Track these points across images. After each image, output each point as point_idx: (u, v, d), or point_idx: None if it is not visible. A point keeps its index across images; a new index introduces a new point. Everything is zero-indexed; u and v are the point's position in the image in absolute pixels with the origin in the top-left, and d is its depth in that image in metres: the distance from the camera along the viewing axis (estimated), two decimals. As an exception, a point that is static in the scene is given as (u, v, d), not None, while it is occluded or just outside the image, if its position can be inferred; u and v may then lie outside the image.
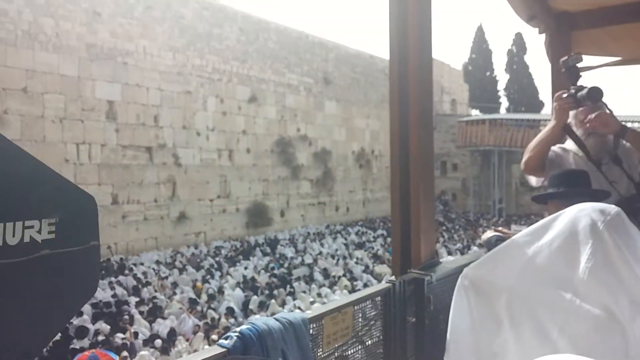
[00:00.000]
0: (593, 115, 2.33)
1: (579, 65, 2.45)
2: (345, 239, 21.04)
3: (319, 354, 1.91)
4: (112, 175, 15.65)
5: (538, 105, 39.94)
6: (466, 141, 27.26)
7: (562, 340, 1.48)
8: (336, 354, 2.02)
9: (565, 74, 2.43)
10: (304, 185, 23.13)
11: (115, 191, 15.91)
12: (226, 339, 1.68)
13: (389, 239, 20.91)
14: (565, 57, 2.40)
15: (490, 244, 2.74)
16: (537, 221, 1.83)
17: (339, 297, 12.28)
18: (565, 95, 2.39)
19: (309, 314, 1.98)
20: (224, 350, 1.61)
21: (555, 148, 2.61)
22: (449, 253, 17.25)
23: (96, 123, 15.58)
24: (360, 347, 2.14)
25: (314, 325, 1.90)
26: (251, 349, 1.65)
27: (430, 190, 2.75)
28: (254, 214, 20.59)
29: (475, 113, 34.24)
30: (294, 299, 12.35)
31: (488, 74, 42.71)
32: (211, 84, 19.07)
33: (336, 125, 25.00)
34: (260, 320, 1.79)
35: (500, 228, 3.16)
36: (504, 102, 43.04)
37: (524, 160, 2.60)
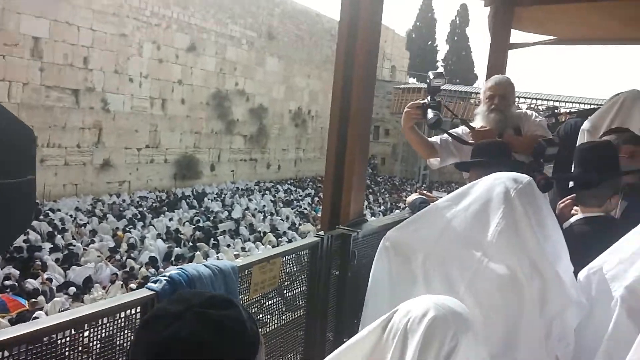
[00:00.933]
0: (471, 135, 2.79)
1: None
2: (274, 196, 21.20)
3: (245, 301, 1.98)
4: (32, 117, 14.60)
5: (472, 79, 41.40)
6: (401, 108, 27.82)
7: (468, 296, 1.60)
8: (262, 300, 2.10)
9: (427, 88, 2.69)
10: (237, 141, 22.83)
11: (35, 133, 14.91)
12: (155, 282, 1.69)
13: (316, 199, 21.30)
14: (431, 76, 2.63)
15: (414, 206, 2.91)
16: (457, 188, 1.96)
17: (262, 252, 12.47)
18: (416, 107, 2.68)
19: (239, 262, 2.04)
20: (152, 293, 1.63)
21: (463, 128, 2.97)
22: (373, 215, 17.90)
23: (19, 60, 14.44)
24: (285, 295, 2.24)
25: (243, 274, 1.96)
26: (180, 293, 1.69)
27: (365, 152, 2.86)
28: (183, 166, 20.14)
29: (413, 81, 34.91)
30: (218, 252, 12.40)
31: (430, 43, 43.48)
32: (148, 28, 18.07)
33: (276, 82, 24.66)
34: (190, 266, 1.82)
35: (424, 192, 3.35)
36: (441, 73, 44.16)
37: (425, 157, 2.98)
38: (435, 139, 3.00)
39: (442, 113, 2.70)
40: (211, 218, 16.15)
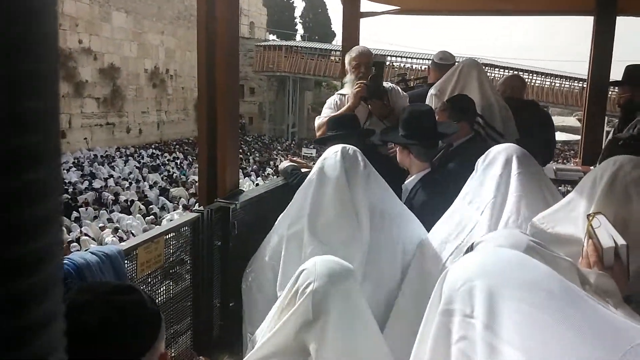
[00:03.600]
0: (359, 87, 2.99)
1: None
2: (139, 162, 20.18)
3: (134, 281, 2.07)
4: None
5: (331, 35, 42.38)
6: (263, 66, 27.79)
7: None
8: (149, 279, 2.21)
9: (373, 67, 3.00)
10: (90, 104, 21.04)
11: None
12: (42, 275, 1.73)
13: (185, 162, 20.77)
14: (375, 56, 2.94)
15: (286, 173, 3.16)
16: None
17: (133, 222, 12.02)
18: (362, 86, 2.93)
19: (124, 245, 2.12)
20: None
21: (335, 98, 3.19)
22: (246, 175, 18.03)
23: None
24: (171, 270, 2.36)
25: (130, 256, 2.05)
26: (71, 283, 1.74)
27: (235, 125, 3.00)
28: (29, 134, 18.15)
29: (273, 38, 34.80)
30: (81, 227, 11.68)
31: (286, -1, 43.34)
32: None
33: (126, 39, 22.90)
34: (77, 254, 1.86)
35: (295, 158, 3.61)
36: (300, 30, 44.55)
37: (318, 134, 3.07)
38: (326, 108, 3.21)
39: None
40: (69, 190, 14.97)
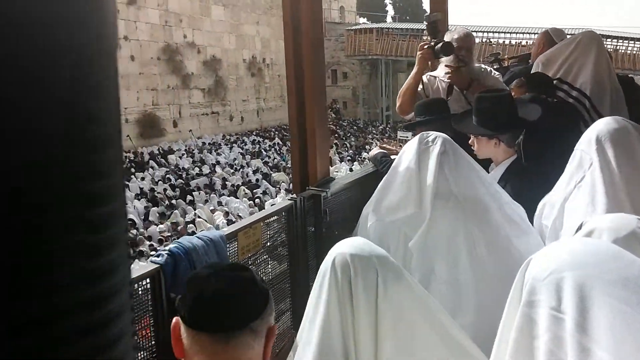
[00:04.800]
0: (449, 73, 2.90)
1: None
2: (242, 148, 21.25)
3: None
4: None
5: (422, 14, 41.04)
6: (355, 50, 27.70)
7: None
8: (249, 262, 2.41)
9: (427, 29, 2.87)
10: (196, 95, 22.47)
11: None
12: (158, 256, 1.98)
13: (284, 148, 21.48)
14: (427, 14, 2.83)
15: (376, 161, 3.22)
16: None
17: (239, 205, 12.76)
18: (426, 46, 2.85)
19: (225, 231, 2.33)
20: (157, 266, 1.91)
21: (424, 78, 3.09)
22: (342, 160, 18.29)
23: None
24: (270, 253, 2.56)
25: (231, 240, 2.25)
26: (180, 264, 1.97)
27: (323, 114, 3.11)
28: (145, 124, 19.84)
29: (363, 21, 34.47)
30: (195, 209, 12.63)
31: (376, -20, 42.54)
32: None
33: (225, 32, 24.01)
34: (185, 239, 2.10)
35: (385, 145, 3.64)
36: (390, 11, 43.63)
37: (398, 105, 3.06)
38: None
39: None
40: (183, 175, 16.21)
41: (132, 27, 19.23)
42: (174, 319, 1.05)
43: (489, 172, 2.33)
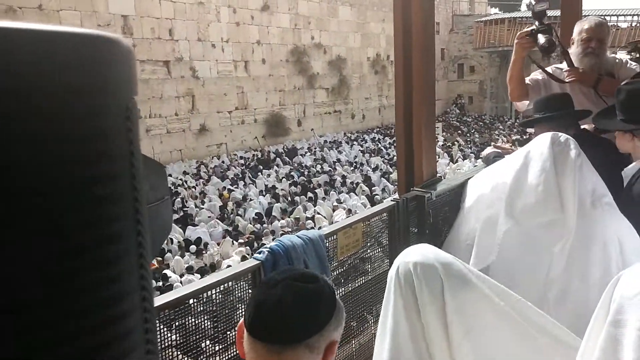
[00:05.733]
0: (567, 73, 2.66)
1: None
2: (362, 146, 21.44)
3: (334, 262, 2.34)
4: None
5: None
6: (484, 42, 26.42)
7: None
8: (348, 261, 2.45)
9: (532, 15, 2.65)
10: (320, 94, 23.13)
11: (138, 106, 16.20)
12: (259, 253, 2.10)
13: (405, 145, 21.17)
14: (533, 3, 2.61)
15: (488, 160, 3.07)
16: None
17: (357, 202, 12.90)
18: (525, 35, 2.66)
19: (325, 231, 2.39)
20: (258, 262, 2.03)
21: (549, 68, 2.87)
22: (465, 157, 17.59)
23: (112, 39, 15.53)
24: (369, 253, 2.57)
25: (330, 240, 2.31)
26: (279, 261, 2.07)
27: (431, 114, 3.04)
28: (272, 124, 20.91)
29: (495, 12, 32.64)
30: (315, 205, 13.03)
31: (510, -35, 39.99)
32: (223, -7, 18.61)
33: (351, 31, 24.38)
34: (285, 237, 2.20)
35: (499, 144, 3.46)
36: (526, -1, 40.71)
37: (509, 92, 2.89)
38: (527, 79, 2.91)
39: (554, 37, 2.66)
40: (305, 172, 16.83)
41: (265, 32, 20.35)
42: (241, 321, 1.07)
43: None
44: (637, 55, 3.44)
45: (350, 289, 2.45)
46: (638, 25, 21.23)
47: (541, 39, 2.58)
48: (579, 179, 1.86)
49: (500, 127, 25.16)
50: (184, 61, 17.54)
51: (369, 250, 2.58)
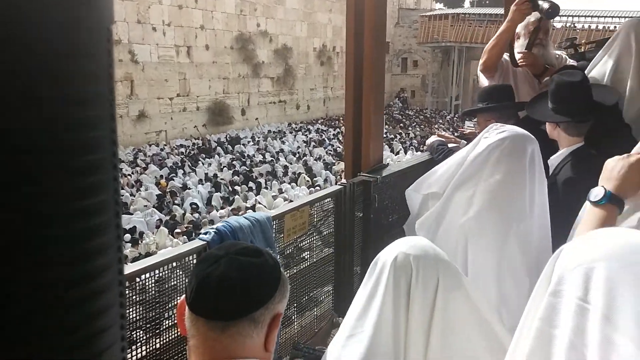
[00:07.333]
0: (521, 55, 2.70)
1: None
2: (306, 136, 21.47)
3: (281, 245, 2.32)
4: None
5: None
6: (428, 37, 27.06)
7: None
8: (294, 243, 2.45)
9: None
10: (265, 83, 22.91)
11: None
12: (205, 234, 2.05)
13: (348, 137, 21.40)
14: None
15: (432, 149, 3.16)
16: None
17: (299, 192, 12.93)
18: (526, 1, 2.59)
19: (273, 212, 2.37)
20: (204, 243, 1.99)
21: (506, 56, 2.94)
22: (406, 150, 18.01)
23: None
24: (316, 236, 2.58)
25: (277, 222, 2.29)
26: (226, 241, 2.04)
27: (380, 102, 3.08)
28: (215, 112, 20.52)
29: (440, 7, 33.53)
30: (257, 195, 12.93)
31: (453, -36, 41.17)
32: (165, -27, 17.96)
33: (298, 20, 24.25)
34: (232, 218, 2.16)
35: (443, 133, 3.56)
36: (469, -4, 42.12)
37: (482, 60, 2.85)
38: None
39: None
40: (247, 162, 16.65)
41: (209, 16, 19.86)
42: (182, 297, 1.03)
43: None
44: (573, 52, 3.61)
45: (294, 271, 2.45)
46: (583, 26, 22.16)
47: (544, 3, 2.55)
48: (481, 166, 1.90)
49: (440, 121, 25.95)
50: (122, 44, 16.82)
51: (315, 232, 2.58)
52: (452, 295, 1.14)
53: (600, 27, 22.67)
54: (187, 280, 1.87)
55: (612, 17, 23.29)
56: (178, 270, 1.94)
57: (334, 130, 23.46)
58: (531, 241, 1.81)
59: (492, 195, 1.83)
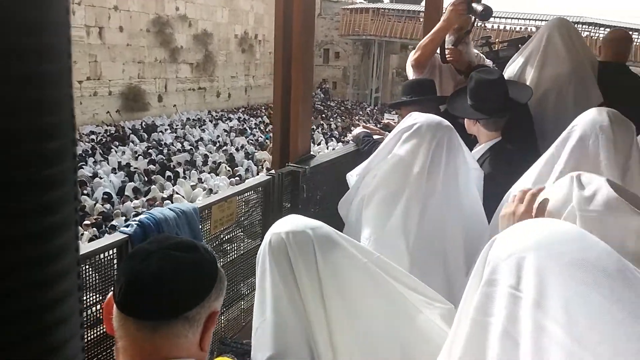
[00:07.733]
0: (448, 51, 2.81)
1: None
2: (227, 125, 21.06)
3: (208, 236, 2.24)
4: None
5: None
6: (349, 30, 27.48)
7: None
8: (221, 235, 2.37)
9: None
10: (184, 69, 22.11)
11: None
12: (127, 226, 1.92)
13: (270, 126, 21.32)
14: None
15: (358, 140, 3.20)
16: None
17: (220, 182, 12.67)
18: (460, 2, 2.65)
19: (199, 203, 2.29)
20: (125, 236, 1.87)
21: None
22: (326, 141, 18.21)
23: None
24: (242, 229, 2.52)
25: (204, 213, 2.21)
26: (150, 235, 1.92)
27: (309, 93, 3.07)
28: (129, 98, 19.52)
29: (361, 1, 34.10)
30: (174, 185, 12.50)
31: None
32: (74, -53, 16.71)
33: (219, 6, 23.59)
34: (156, 210, 2.05)
35: (368, 125, 3.62)
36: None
37: (415, 57, 2.89)
38: None
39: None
40: (164, 151, 16.02)
41: (123, -4, 18.79)
42: (110, 295, 0.95)
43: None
44: (488, 50, 3.80)
45: (222, 263, 2.38)
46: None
47: (478, 6, 2.61)
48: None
49: (361, 112, 26.50)
50: (26, 20, 15.48)
51: (245, 222, 2.52)
52: (332, 256, 1.18)
53: (508, 27, 24.22)
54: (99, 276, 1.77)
55: (519, 19, 24.97)
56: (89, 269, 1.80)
57: (256, 119, 23.19)
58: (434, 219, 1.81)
59: (387, 173, 1.88)
